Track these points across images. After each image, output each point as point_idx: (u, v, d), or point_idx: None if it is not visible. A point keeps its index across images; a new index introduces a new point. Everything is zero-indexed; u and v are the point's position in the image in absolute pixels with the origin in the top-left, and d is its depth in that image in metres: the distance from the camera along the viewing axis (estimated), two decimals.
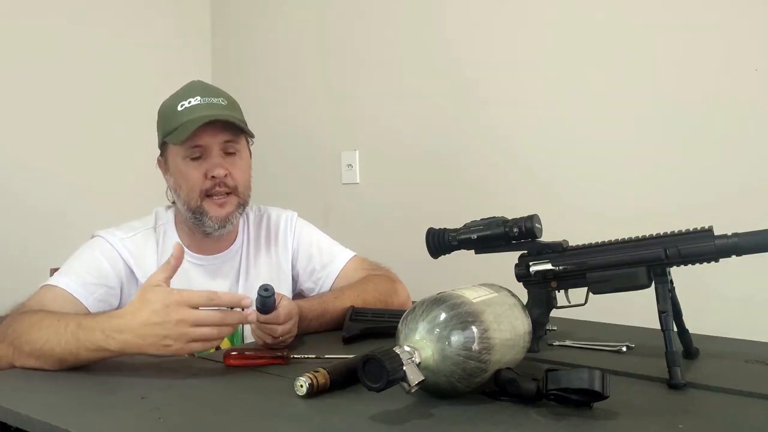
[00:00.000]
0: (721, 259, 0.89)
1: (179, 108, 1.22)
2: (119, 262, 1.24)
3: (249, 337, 1.19)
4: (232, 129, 1.24)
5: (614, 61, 1.72)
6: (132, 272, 1.25)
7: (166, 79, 2.47)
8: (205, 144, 1.22)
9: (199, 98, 1.23)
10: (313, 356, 1.02)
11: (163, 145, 1.28)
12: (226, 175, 1.23)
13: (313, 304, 1.23)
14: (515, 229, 1.01)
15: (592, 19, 1.76)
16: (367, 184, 2.25)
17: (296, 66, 2.43)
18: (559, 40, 1.81)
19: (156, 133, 1.30)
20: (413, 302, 0.83)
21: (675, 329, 0.92)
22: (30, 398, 0.86)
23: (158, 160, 1.32)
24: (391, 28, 2.18)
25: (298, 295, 1.41)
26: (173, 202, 1.32)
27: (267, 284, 1.03)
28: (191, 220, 1.26)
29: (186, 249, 1.29)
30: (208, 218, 1.24)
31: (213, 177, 1.22)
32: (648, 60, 1.67)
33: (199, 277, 1.29)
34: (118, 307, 1.23)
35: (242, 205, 1.28)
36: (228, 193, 1.25)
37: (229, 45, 2.66)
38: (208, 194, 1.23)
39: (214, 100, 1.24)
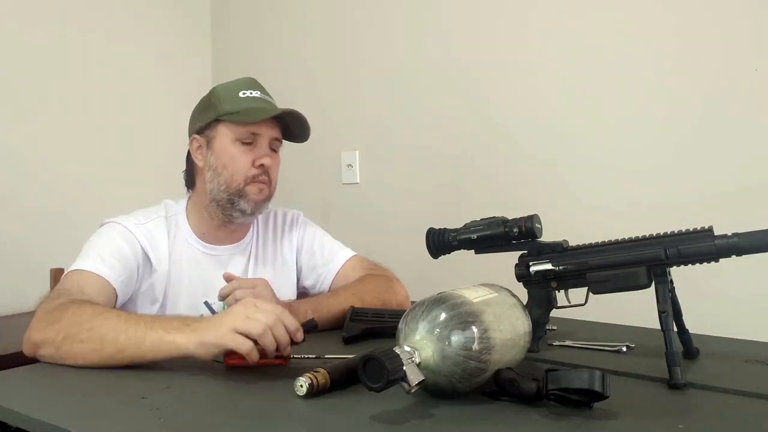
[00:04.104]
0: (721, 259, 0.89)
1: (241, 95, 1.28)
2: (137, 246, 1.25)
3: None
4: (281, 131, 1.32)
5: (615, 61, 1.72)
6: (147, 257, 1.25)
7: (167, 80, 2.51)
8: (261, 133, 1.28)
9: (259, 93, 1.30)
10: (313, 356, 1.02)
11: (208, 125, 1.30)
12: (269, 168, 1.29)
13: (309, 303, 1.25)
14: (515, 229, 1.01)
15: (594, 18, 1.76)
16: (367, 184, 2.26)
17: (296, 66, 2.43)
18: (558, 40, 1.81)
19: (181, 118, 1.35)
20: (413, 302, 0.83)
21: (675, 329, 0.92)
22: (30, 398, 0.87)
23: (194, 139, 1.32)
24: (391, 28, 2.18)
25: (302, 293, 1.44)
26: (188, 189, 1.36)
27: None
28: (223, 202, 1.28)
29: (198, 239, 1.33)
30: (245, 201, 1.27)
31: (261, 165, 1.27)
32: (649, 60, 1.67)
33: (210, 266, 1.31)
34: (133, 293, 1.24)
35: (270, 199, 1.33)
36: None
37: (229, 45, 2.66)
38: (253, 180, 1.28)
39: (269, 100, 1.32)
